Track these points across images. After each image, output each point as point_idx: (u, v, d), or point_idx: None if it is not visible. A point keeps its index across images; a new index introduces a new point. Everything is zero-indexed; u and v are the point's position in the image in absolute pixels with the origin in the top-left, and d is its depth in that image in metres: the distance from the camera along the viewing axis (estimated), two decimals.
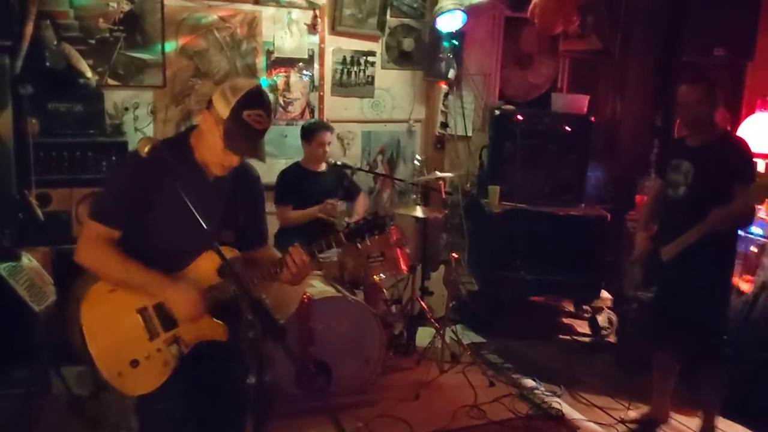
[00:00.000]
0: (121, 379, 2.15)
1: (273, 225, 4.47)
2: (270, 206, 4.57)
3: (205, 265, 2.24)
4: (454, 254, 4.56)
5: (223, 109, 2.14)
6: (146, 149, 2.07)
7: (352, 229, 2.32)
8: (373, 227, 2.30)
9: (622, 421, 3.66)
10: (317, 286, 3.79)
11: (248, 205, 2.46)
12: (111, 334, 2.17)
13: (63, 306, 3.21)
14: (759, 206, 3.34)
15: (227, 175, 2.29)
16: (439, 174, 4.60)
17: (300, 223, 4.36)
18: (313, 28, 4.91)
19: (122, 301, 2.19)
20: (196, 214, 2.01)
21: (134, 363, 2.16)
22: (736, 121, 4.75)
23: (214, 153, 2.20)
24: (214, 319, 2.23)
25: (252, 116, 2.13)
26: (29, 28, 3.91)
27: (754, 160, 3.29)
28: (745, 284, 4.01)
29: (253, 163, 2.41)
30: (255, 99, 2.16)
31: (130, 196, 2.19)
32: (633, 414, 3.70)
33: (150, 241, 2.22)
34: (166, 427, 2.29)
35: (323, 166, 4.59)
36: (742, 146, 3.22)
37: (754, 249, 4.11)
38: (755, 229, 4.01)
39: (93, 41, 4.40)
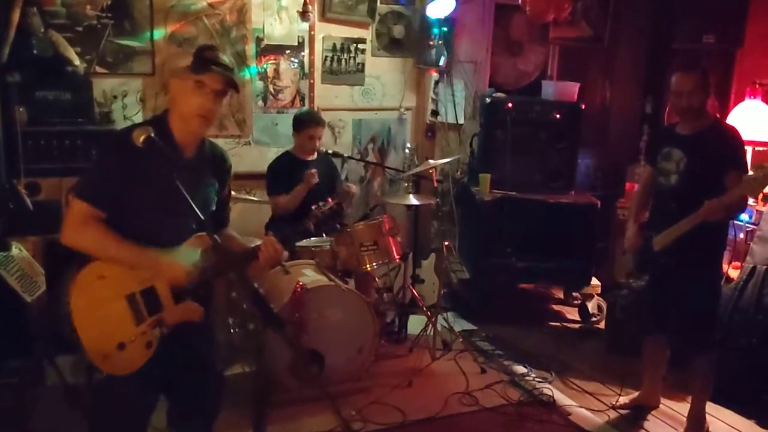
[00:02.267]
0: (106, 362, 2.20)
1: (264, 215, 4.50)
2: (263, 196, 4.57)
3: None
4: (446, 242, 4.56)
5: (185, 62, 2.26)
6: (141, 139, 2.11)
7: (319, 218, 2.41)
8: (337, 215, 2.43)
9: (613, 407, 3.70)
10: (310, 275, 3.79)
11: (221, 187, 2.50)
12: (99, 320, 2.21)
13: (54, 295, 3.19)
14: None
15: (205, 156, 2.39)
16: (432, 162, 4.60)
17: (292, 207, 4.31)
18: (304, 15, 4.86)
19: (110, 287, 2.22)
20: (191, 202, 2.10)
21: (121, 346, 2.21)
22: (725, 108, 4.78)
23: (190, 106, 2.25)
24: (192, 301, 2.30)
25: (211, 54, 2.26)
26: (16, 16, 3.87)
27: (745, 147, 3.30)
28: (733, 271, 4.06)
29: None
30: (208, 47, 2.33)
31: (119, 179, 2.21)
32: (624, 399, 3.73)
33: (136, 227, 2.25)
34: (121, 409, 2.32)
35: (314, 155, 4.58)
36: (733, 134, 3.23)
37: (742, 236, 4.16)
38: (743, 216, 4.05)
39: (80, 28, 4.34)
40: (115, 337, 2.21)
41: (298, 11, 4.88)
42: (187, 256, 2.26)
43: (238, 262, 2.30)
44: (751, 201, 3.98)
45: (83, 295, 2.20)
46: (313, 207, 2.43)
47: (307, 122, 4.43)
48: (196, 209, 2.11)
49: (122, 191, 2.22)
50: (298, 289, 3.50)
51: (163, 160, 2.17)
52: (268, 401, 2.37)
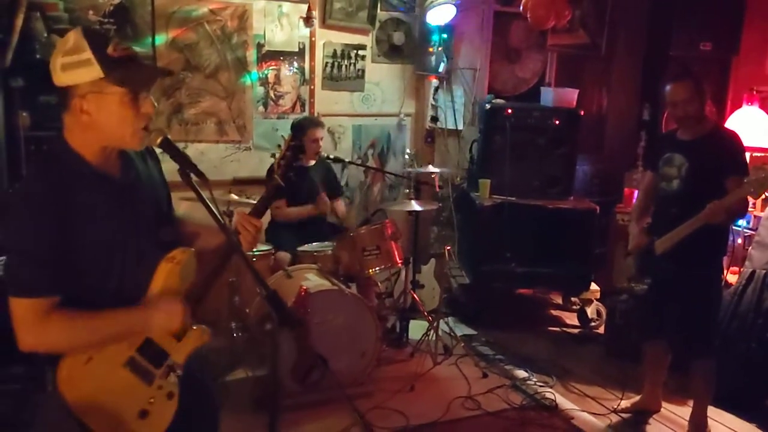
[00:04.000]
0: None
1: (264, 218, 4.50)
2: None
3: (164, 281, 1.97)
4: (446, 247, 4.58)
5: (89, 74, 1.73)
6: (158, 142, 1.86)
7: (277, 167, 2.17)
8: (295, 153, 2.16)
9: (615, 411, 3.72)
10: (313, 279, 3.79)
11: (163, 180, 2.14)
12: (108, 403, 1.91)
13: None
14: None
15: (132, 161, 1.98)
16: (432, 169, 4.62)
17: (296, 219, 4.39)
18: (307, 20, 4.88)
19: (103, 365, 1.90)
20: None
21: (143, 414, 1.94)
22: (723, 115, 4.82)
23: (127, 121, 1.81)
24: (194, 326, 2.03)
25: (117, 50, 1.77)
26: (19, 21, 3.87)
27: (746, 152, 3.33)
28: (732, 276, 4.08)
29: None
30: (98, 36, 1.80)
31: (46, 246, 1.75)
32: (625, 404, 3.74)
33: (95, 282, 1.88)
34: None
35: (314, 160, 4.60)
36: (734, 139, 3.26)
37: (740, 241, 4.19)
38: (741, 221, 4.08)
39: None
40: (132, 409, 1.93)
41: (301, 17, 4.92)
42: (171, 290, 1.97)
43: (224, 260, 2.02)
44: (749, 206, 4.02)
45: (78, 388, 1.88)
46: (272, 157, 2.21)
47: (308, 125, 4.47)
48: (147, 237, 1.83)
49: (61, 257, 1.77)
50: (302, 293, 3.50)
51: (99, 186, 1.85)
52: (281, 404, 2.32)
